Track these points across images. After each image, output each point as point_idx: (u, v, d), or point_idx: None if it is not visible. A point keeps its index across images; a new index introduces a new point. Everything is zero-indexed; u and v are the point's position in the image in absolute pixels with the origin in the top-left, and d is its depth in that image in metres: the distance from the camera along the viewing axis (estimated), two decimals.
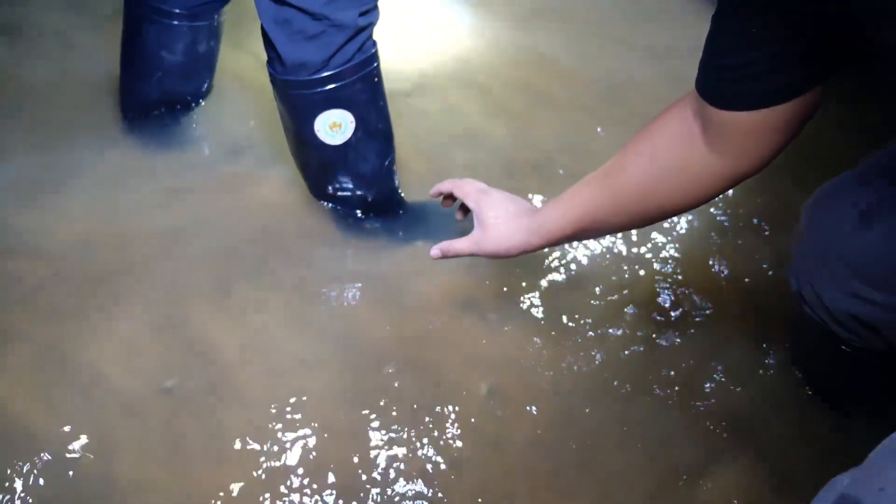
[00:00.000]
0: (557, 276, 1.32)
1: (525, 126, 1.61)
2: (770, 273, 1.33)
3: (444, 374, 1.18)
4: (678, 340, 1.24)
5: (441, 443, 1.10)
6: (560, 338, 1.23)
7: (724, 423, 1.14)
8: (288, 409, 1.12)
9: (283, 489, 1.04)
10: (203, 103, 1.55)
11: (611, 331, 1.25)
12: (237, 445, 1.08)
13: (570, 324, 1.25)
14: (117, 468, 1.04)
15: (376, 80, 1.21)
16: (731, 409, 1.16)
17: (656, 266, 1.34)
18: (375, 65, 1.20)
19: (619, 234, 1.37)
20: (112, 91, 1.54)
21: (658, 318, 1.27)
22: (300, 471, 1.06)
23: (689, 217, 1.42)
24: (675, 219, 1.41)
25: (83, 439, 1.07)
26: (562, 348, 1.22)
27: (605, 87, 1.71)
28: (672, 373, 1.20)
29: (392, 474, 1.07)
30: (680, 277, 1.33)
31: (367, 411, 1.13)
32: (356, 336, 1.22)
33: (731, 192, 1.29)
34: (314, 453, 1.08)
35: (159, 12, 1.35)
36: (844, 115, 1.58)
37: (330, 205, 1.36)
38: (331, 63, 1.13)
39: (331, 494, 1.04)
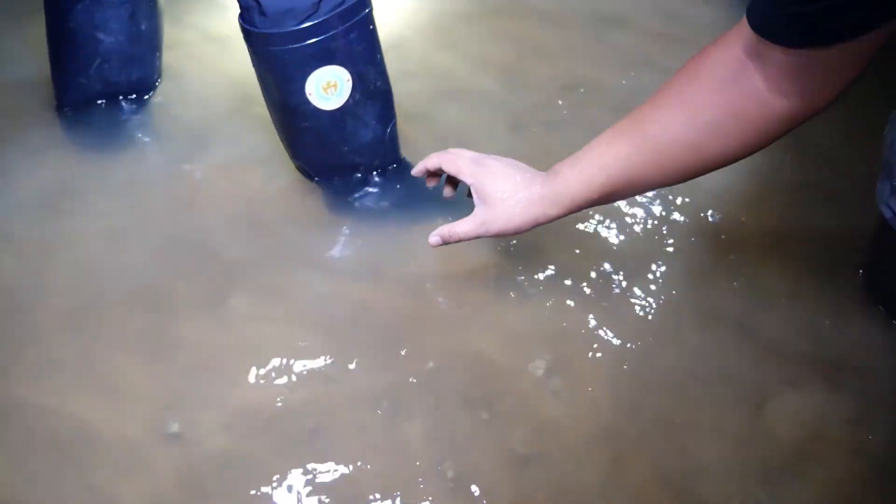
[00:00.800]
0: (595, 232, 1.15)
1: (518, 77, 1.44)
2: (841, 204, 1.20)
3: (492, 361, 1.00)
4: (736, 284, 1.09)
5: (505, 436, 0.92)
6: (610, 299, 1.07)
7: (802, 357, 1.01)
8: (321, 435, 0.92)
9: None
10: (153, 93, 1.33)
11: (663, 283, 1.09)
12: (271, 490, 0.87)
13: (621, 281, 1.09)
14: None
15: (371, 27, 1.02)
16: (805, 345, 1.03)
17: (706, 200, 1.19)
18: (368, 10, 1.01)
19: None
20: (44, 91, 1.31)
21: (716, 260, 1.12)
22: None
23: None
24: None
25: None
26: (615, 310, 1.05)
27: (592, 25, 1.55)
28: (737, 314, 1.06)
29: (458, 484, 0.88)
30: (734, 218, 1.18)
31: (415, 417, 0.94)
32: (382, 333, 1.03)
33: None
34: (357, 480, 0.88)
35: None
36: None
37: (324, 186, 1.15)
38: (321, 7, 0.93)
39: None
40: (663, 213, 1.18)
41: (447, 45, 1.50)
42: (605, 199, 0.84)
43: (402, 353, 1.00)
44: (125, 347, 1.00)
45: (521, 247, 1.12)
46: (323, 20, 0.95)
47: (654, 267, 1.11)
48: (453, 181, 0.98)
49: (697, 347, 1.02)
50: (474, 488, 0.88)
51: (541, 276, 1.09)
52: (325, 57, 0.98)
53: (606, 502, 0.88)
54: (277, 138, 1.17)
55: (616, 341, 1.02)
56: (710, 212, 1.19)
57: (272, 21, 0.94)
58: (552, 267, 1.10)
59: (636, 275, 1.10)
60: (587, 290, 1.07)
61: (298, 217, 1.16)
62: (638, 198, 1.19)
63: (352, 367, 0.99)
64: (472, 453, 0.91)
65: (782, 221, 1.19)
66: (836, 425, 0.95)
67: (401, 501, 0.87)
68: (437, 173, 0.97)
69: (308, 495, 0.87)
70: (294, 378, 0.98)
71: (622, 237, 1.14)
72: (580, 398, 0.97)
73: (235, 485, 0.88)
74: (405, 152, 1.20)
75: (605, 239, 1.14)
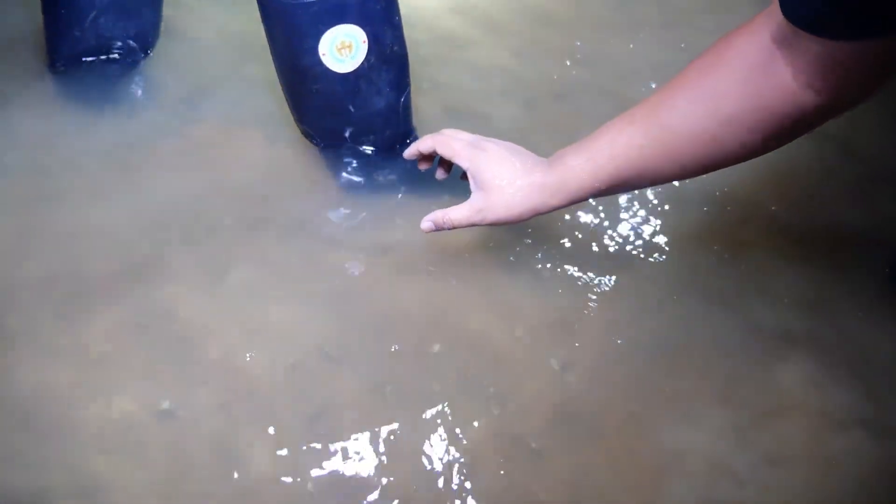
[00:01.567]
0: (610, 216, 1.09)
1: (531, 47, 1.37)
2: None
3: (503, 348, 0.94)
4: (757, 276, 1.04)
5: (519, 429, 0.87)
6: (627, 287, 1.01)
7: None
8: (320, 417, 0.87)
9: None
10: (151, 53, 1.25)
11: (680, 270, 1.04)
12: (263, 471, 0.82)
13: (637, 268, 1.03)
14: None
15: None
16: (831, 340, 0.99)
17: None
18: None
19: None
20: (36, 43, 1.23)
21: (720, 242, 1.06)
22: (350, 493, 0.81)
23: None
24: None
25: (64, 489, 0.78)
26: (632, 298, 1.00)
27: None
28: (759, 307, 1.01)
29: (465, 479, 0.83)
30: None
31: (419, 405, 0.88)
32: (384, 315, 0.97)
33: None
34: (361, 470, 0.83)
35: None
36: None
37: (330, 155, 1.08)
38: None
39: None
40: (680, 196, 1.12)
41: (458, 12, 1.43)
42: (611, 190, 0.79)
43: (407, 334, 0.94)
44: (113, 319, 0.93)
45: (537, 227, 1.07)
46: None
47: (671, 252, 1.06)
48: (447, 163, 0.92)
49: (717, 340, 0.97)
50: (482, 478, 0.82)
51: (555, 258, 1.03)
52: (340, 14, 0.92)
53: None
54: (282, 102, 1.10)
55: (632, 330, 0.97)
56: (727, 200, 1.13)
57: None
58: (565, 249, 1.04)
59: (653, 262, 1.04)
60: (602, 276, 1.02)
61: (301, 187, 1.09)
62: None
63: (355, 347, 0.93)
64: (479, 440, 0.86)
65: (804, 213, 1.14)
66: (860, 422, 0.90)
67: (404, 490, 0.81)
68: (430, 156, 0.91)
69: (307, 483, 0.82)
70: (294, 358, 0.92)
71: (637, 220, 1.09)
72: (592, 386, 0.92)
73: (229, 468, 0.83)
74: (420, 127, 1.13)
75: (620, 223, 1.09)
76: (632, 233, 1.07)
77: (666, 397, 0.91)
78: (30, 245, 1.00)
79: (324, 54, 0.94)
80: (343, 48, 0.94)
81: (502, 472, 0.84)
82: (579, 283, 1.01)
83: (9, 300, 0.94)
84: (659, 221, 1.09)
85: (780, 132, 0.70)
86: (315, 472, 0.83)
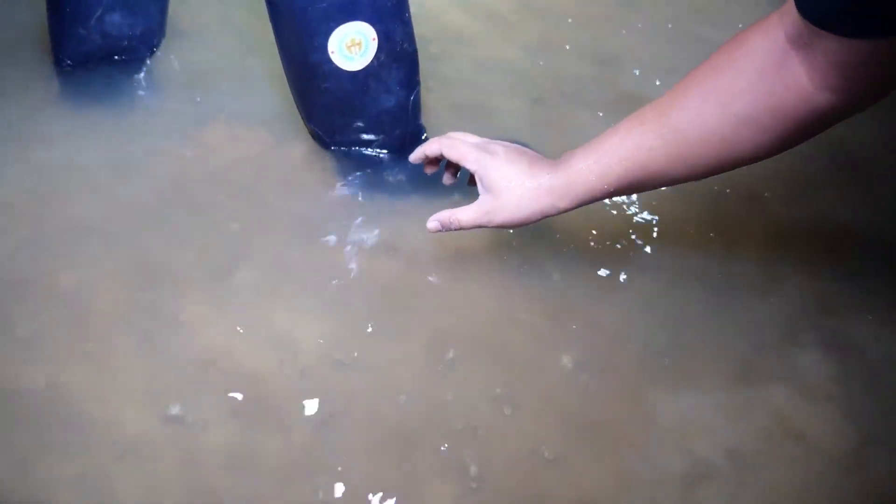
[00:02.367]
0: (626, 213, 1.07)
1: (541, 45, 1.35)
2: None
3: (516, 352, 0.92)
4: (770, 275, 1.02)
5: (535, 435, 0.85)
6: (639, 286, 0.99)
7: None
8: (329, 423, 0.85)
9: None
10: (157, 51, 1.24)
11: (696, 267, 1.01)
12: (273, 478, 0.80)
13: (651, 263, 1.01)
14: None
15: None
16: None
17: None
18: None
19: None
20: (41, 41, 1.21)
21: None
22: (361, 499, 0.79)
23: None
24: None
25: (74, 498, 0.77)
26: (646, 299, 0.98)
27: None
28: (772, 309, 0.98)
29: (480, 484, 0.81)
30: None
31: (434, 411, 0.86)
32: (398, 317, 0.95)
33: None
34: (372, 477, 0.81)
35: None
36: None
37: (338, 155, 1.07)
38: None
39: None
40: (692, 193, 1.10)
41: (465, 8, 1.42)
42: (620, 192, 0.78)
43: (420, 340, 0.93)
44: (119, 323, 0.91)
45: (545, 226, 1.05)
46: None
47: (685, 250, 1.04)
48: (454, 167, 0.90)
49: (731, 342, 0.95)
50: (497, 488, 0.81)
51: (564, 258, 1.01)
52: (350, 11, 0.90)
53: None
54: (289, 101, 1.09)
55: (647, 331, 0.95)
56: (737, 195, 1.11)
57: None
58: (574, 249, 1.03)
59: (668, 260, 1.02)
60: (616, 276, 1.00)
61: (310, 187, 1.07)
62: None
63: (366, 352, 0.91)
64: (496, 451, 0.84)
65: (810, 209, 1.12)
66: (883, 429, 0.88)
67: (416, 499, 0.80)
68: (437, 160, 0.90)
69: (318, 491, 0.80)
70: (303, 363, 0.90)
71: (646, 217, 1.07)
72: (607, 391, 0.90)
73: (239, 474, 0.81)
74: (427, 125, 1.11)
75: (628, 221, 1.07)
76: (640, 230, 1.05)
77: (677, 396, 0.90)
78: (34, 248, 0.99)
79: (333, 52, 0.93)
80: (352, 46, 0.93)
81: (516, 480, 0.82)
82: (589, 282, 0.99)
83: (15, 305, 0.92)
84: (669, 218, 1.07)
85: (793, 132, 0.69)
86: (325, 479, 0.81)
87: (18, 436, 0.82)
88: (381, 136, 1.05)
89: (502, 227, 0.82)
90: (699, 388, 0.91)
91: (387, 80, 0.99)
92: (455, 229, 0.85)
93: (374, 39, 0.94)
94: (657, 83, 1.26)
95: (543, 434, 0.86)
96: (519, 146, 0.84)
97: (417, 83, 1.04)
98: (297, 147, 1.10)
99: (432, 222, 0.86)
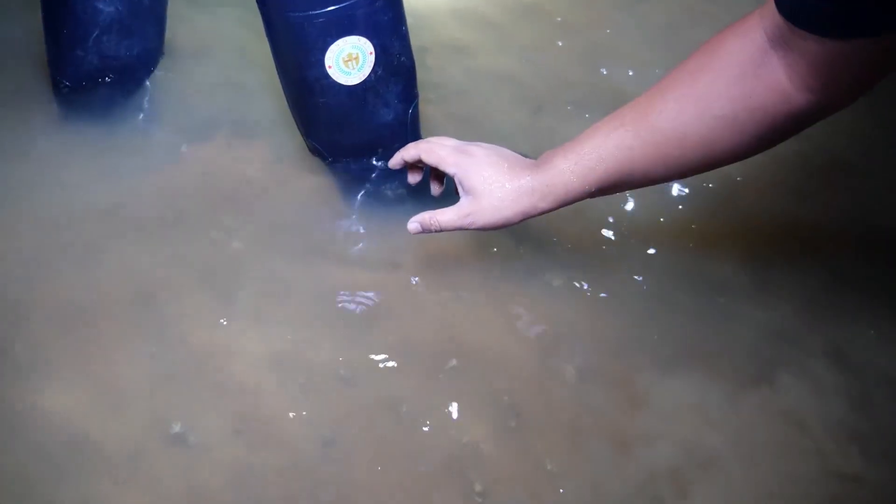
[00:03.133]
0: (626, 217, 1.06)
1: (540, 54, 1.35)
2: None
3: (518, 361, 0.92)
4: (769, 276, 1.01)
5: (538, 446, 0.84)
6: (641, 293, 0.99)
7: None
8: (334, 441, 0.84)
9: None
10: (155, 70, 1.23)
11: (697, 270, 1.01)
12: (278, 497, 0.80)
13: (653, 266, 1.00)
14: None
15: None
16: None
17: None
18: None
19: None
20: (38, 62, 1.21)
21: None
22: None
23: None
24: None
25: None
26: (647, 307, 0.97)
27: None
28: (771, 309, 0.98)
29: (485, 500, 0.80)
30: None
31: (437, 422, 0.86)
32: (399, 330, 0.94)
33: None
34: (376, 493, 0.80)
35: None
36: None
37: (338, 170, 1.07)
38: None
39: None
40: (687, 193, 1.10)
41: (462, 19, 1.41)
42: (601, 192, 0.78)
43: (422, 351, 0.92)
44: (122, 345, 0.91)
45: (548, 239, 1.04)
46: None
47: (683, 252, 1.03)
48: (439, 175, 0.90)
49: (735, 348, 0.94)
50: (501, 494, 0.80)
51: (563, 265, 1.01)
52: (347, 26, 0.90)
53: None
54: (288, 118, 1.08)
55: (644, 332, 0.95)
56: (742, 191, 1.11)
57: None
58: (572, 256, 1.02)
59: (664, 262, 1.02)
60: (609, 280, 1.00)
61: (310, 203, 1.07)
62: None
63: (368, 367, 0.91)
64: (500, 465, 0.83)
65: (809, 210, 1.11)
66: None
67: None
68: (417, 166, 0.89)
69: None
70: (305, 379, 0.89)
71: (642, 219, 1.07)
72: (609, 400, 0.89)
73: (243, 495, 0.80)
74: (422, 134, 1.11)
75: (623, 223, 1.06)
76: (637, 233, 1.05)
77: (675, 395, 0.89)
78: (36, 271, 0.98)
79: (330, 67, 0.92)
80: (350, 60, 0.92)
81: (522, 490, 0.81)
82: (588, 288, 0.99)
83: (17, 327, 0.92)
84: (664, 219, 1.07)
85: (772, 132, 0.69)
86: (329, 497, 0.80)
87: (19, 458, 0.81)
88: (380, 150, 1.04)
89: (484, 229, 0.82)
90: (702, 395, 0.90)
91: (385, 93, 0.98)
92: (435, 231, 0.84)
93: (371, 53, 0.93)
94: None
95: (547, 446, 0.85)
96: (498, 147, 0.83)
97: (416, 96, 1.04)
98: (297, 163, 1.10)
99: (412, 223, 0.86)
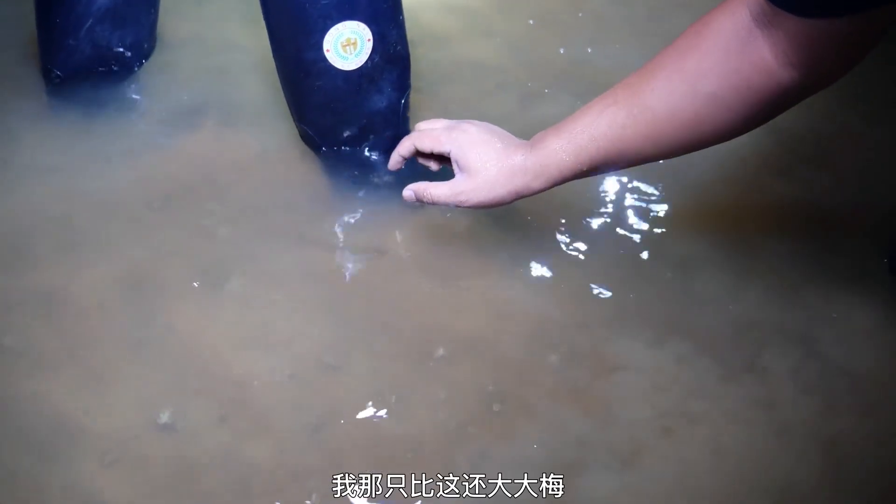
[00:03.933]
0: (619, 207, 1.06)
1: (527, 45, 1.34)
2: None
3: (507, 350, 0.91)
4: (751, 270, 1.00)
5: (523, 435, 0.84)
6: (629, 276, 0.99)
7: None
8: (322, 428, 0.83)
9: None
10: (147, 61, 1.23)
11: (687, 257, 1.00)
12: (266, 484, 0.78)
13: (642, 258, 1.00)
14: None
15: None
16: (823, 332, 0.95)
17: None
18: None
19: None
20: (30, 51, 1.21)
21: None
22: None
23: None
24: None
25: None
26: (637, 299, 0.97)
27: None
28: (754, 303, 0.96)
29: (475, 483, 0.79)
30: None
31: (423, 410, 0.85)
32: (388, 318, 0.94)
33: None
34: (368, 482, 0.78)
35: None
36: None
37: (328, 157, 1.06)
38: None
39: None
40: (676, 180, 1.10)
41: (451, 10, 1.41)
42: (593, 171, 0.78)
43: (410, 339, 0.91)
44: (108, 330, 0.90)
45: (534, 226, 1.04)
46: None
47: (669, 240, 1.03)
48: (435, 156, 0.90)
49: (715, 338, 0.93)
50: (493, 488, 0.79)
51: (552, 255, 1.00)
52: (348, 10, 0.91)
53: None
54: (279, 107, 1.09)
55: (635, 327, 0.94)
56: (728, 178, 1.11)
57: None
58: (561, 246, 1.01)
59: (655, 252, 1.01)
60: (612, 272, 0.99)
61: (299, 192, 1.07)
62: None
63: (356, 355, 0.90)
64: (489, 451, 0.82)
65: (793, 200, 1.10)
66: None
67: (409, 500, 0.78)
68: (420, 155, 0.89)
69: (312, 494, 0.78)
70: (293, 367, 0.88)
71: (632, 210, 1.06)
72: (594, 387, 0.88)
73: (231, 482, 0.79)
74: (411, 125, 1.11)
75: (613, 214, 1.06)
76: (627, 222, 1.04)
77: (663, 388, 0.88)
78: (21, 256, 0.97)
79: (328, 50, 0.93)
80: (348, 45, 0.93)
81: (510, 479, 0.80)
82: (578, 278, 0.98)
83: (3, 314, 0.90)
84: (653, 210, 1.07)
85: (759, 110, 0.70)
86: (317, 484, 0.79)
87: (6, 445, 0.80)
88: (371, 137, 1.04)
89: (477, 207, 0.82)
90: (687, 375, 0.89)
91: (379, 81, 0.99)
92: (428, 202, 0.85)
93: (369, 40, 0.94)
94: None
95: (533, 430, 0.84)
96: (489, 125, 0.84)
97: (409, 86, 1.04)
98: (288, 151, 1.10)
99: (407, 191, 0.87)
